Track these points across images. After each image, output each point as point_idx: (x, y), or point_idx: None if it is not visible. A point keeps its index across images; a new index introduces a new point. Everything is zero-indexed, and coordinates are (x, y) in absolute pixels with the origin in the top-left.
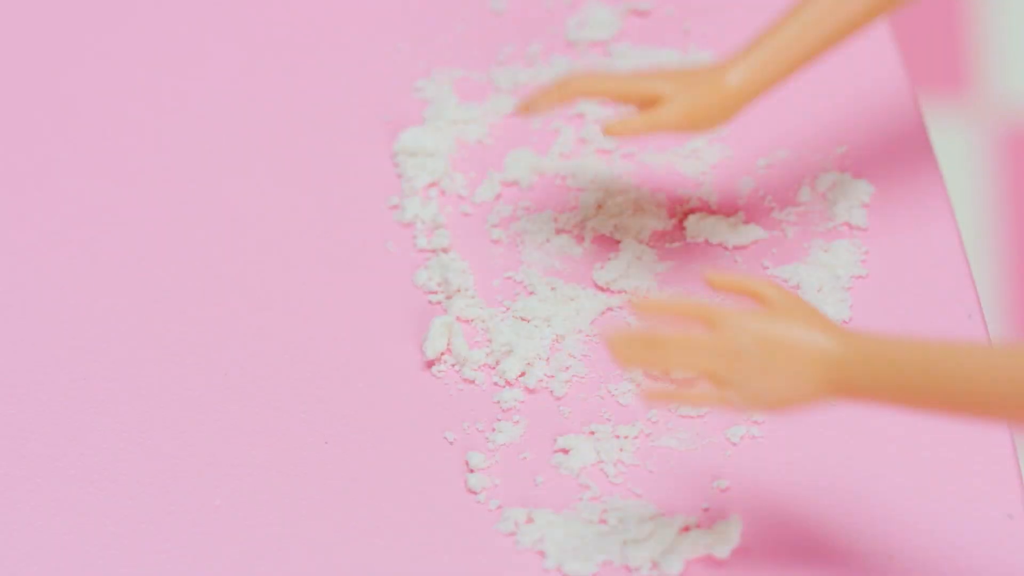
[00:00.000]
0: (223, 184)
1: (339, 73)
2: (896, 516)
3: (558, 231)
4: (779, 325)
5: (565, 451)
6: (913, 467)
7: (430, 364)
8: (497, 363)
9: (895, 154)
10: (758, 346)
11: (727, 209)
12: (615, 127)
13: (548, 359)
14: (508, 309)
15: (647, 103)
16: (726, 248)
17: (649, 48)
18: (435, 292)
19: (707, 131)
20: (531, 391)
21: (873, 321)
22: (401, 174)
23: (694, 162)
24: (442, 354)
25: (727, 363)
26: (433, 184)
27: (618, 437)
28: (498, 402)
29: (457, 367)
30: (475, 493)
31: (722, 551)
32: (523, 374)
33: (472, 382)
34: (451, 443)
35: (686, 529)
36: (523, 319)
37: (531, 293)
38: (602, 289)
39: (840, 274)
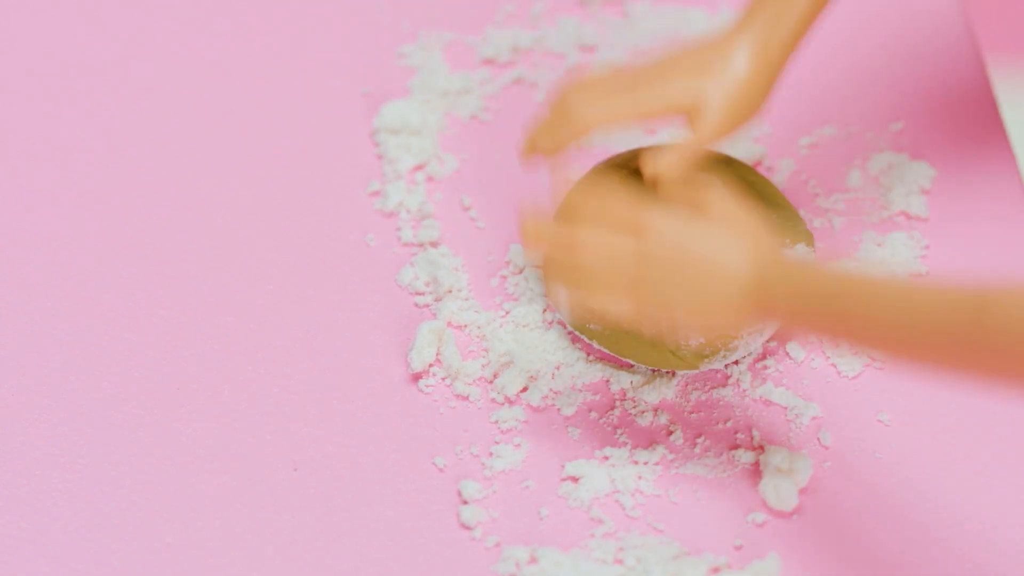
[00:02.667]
0: (178, 171)
1: (310, 38)
2: (953, 549)
3: None
4: (704, 237)
5: (574, 479)
6: (965, 495)
7: (416, 377)
8: (495, 376)
9: (960, 132)
10: (675, 255)
11: None
12: (668, 167)
13: (554, 373)
14: (508, 313)
15: (675, 112)
16: None
17: (672, 6)
18: (422, 293)
19: (753, 119)
20: (535, 409)
21: None
22: (382, 155)
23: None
24: (430, 366)
25: (644, 269)
26: (420, 167)
27: (636, 463)
28: (496, 422)
29: (448, 381)
30: (469, 528)
31: None
32: (525, 389)
33: (466, 398)
34: (441, 470)
35: (716, 571)
36: (524, 325)
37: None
38: None
39: (896, 272)
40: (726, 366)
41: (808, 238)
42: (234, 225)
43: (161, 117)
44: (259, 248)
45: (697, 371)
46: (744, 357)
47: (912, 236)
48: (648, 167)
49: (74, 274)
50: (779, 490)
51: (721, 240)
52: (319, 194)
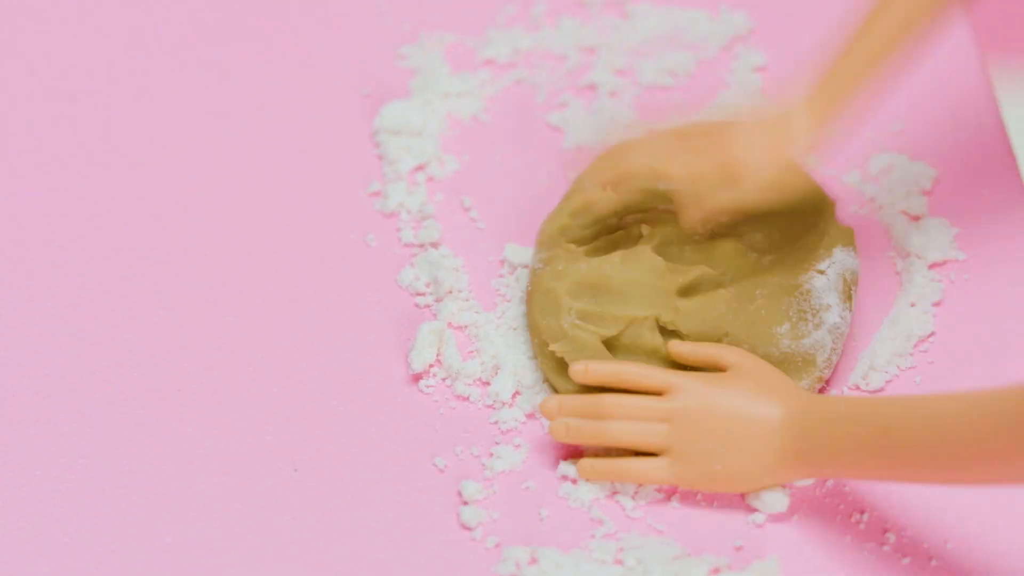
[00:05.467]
0: (179, 172)
1: (311, 39)
2: (956, 547)
3: None
4: (738, 394)
5: (574, 480)
6: (968, 499)
7: (417, 378)
8: (488, 383)
9: (960, 132)
10: (714, 417)
11: None
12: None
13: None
14: (503, 315)
15: (721, 178)
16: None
17: (672, 8)
18: (423, 294)
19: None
20: (532, 414)
21: (941, 332)
22: (383, 156)
23: None
24: (431, 366)
25: (679, 434)
26: (420, 168)
27: None
28: (496, 423)
29: (448, 381)
30: (470, 529)
31: None
32: (517, 393)
33: (466, 399)
34: (442, 470)
35: (716, 572)
36: (514, 328)
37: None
38: None
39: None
40: None
41: (847, 236)
42: (235, 226)
43: (162, 118)
44: (260, 248)
45: None
46: None
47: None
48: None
49: (74, 274)
50: (765, 494)
51: (754, 393)
52: (320, 195)
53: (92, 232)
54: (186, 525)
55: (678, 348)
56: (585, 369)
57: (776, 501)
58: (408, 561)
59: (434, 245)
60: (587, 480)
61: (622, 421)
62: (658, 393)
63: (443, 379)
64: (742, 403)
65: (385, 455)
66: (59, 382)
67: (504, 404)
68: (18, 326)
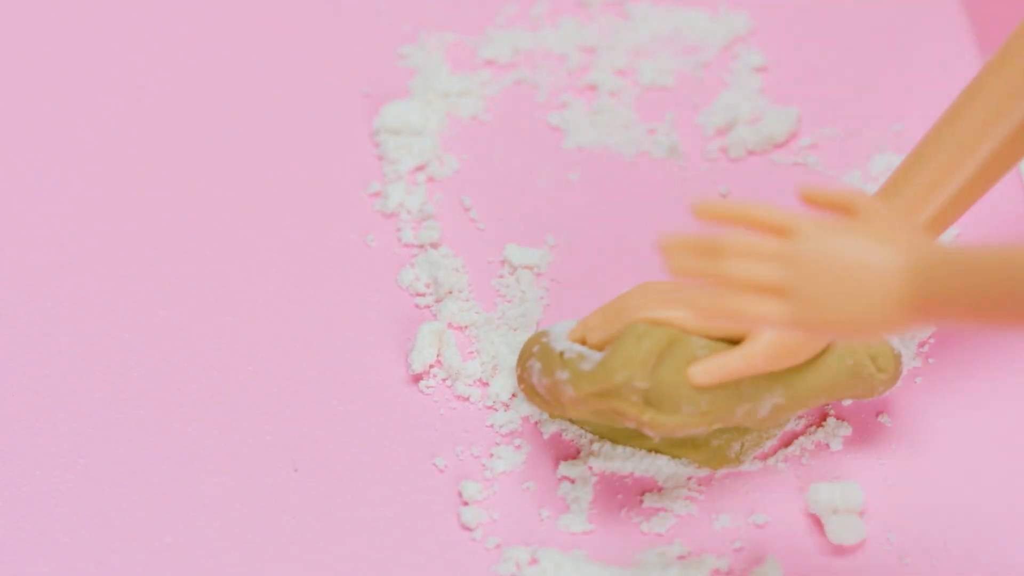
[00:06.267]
0: (178, 172)
1: (310, 38)
2: (961, 546)
3: None
4: (860, 238)
5: (573, 480)
6: (981, 497)
7: (417, 378)
8: (487, 384)
9: None
10: (834, 258)
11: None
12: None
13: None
14: (503, 316)
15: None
16: None
17: (673, 8)
18: (423, 294)
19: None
20: (527, 418)
21: (940, 332)
22: (383, 156)
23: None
24: (431, 367)
25: (797, 274)
26: (420, 168)
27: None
28: (496, 423)
29: (449, 382)
30: (470, 530)
31: None
32: (515, 395)
33: (466, 399)
34: (442, 471)
35: (716, 573)
36: (514, 328)
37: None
38: None
39: None
40: None
41: None
42: (234, 226)
43: (161, 117)
44: (259, 249)
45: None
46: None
47: None
48: (695, 378)
49: (74, 274)
50: (845, 526)
51: (876, 237)
52: (319, 195)
53: (92, 232)
54: (186, 525)
55: (812, 191)
56: (703, 203)
57: (851, 532)
58: (408, 561)
59: (434, 245)
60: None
61: (741, 259)
62: (779, 234)
63: (443, 379)
64: (867, 249)
65: (385, 455)
66: (59, 382)
67: (504, 405)
68: (18, 326)
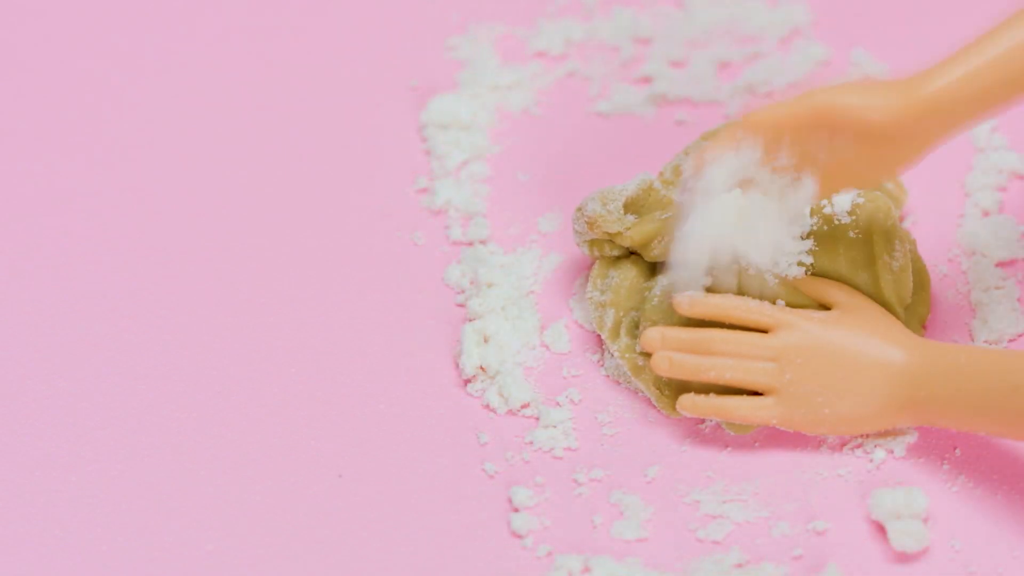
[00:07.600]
0: (223, 166)
1: (357, 29)
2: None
3: None
4: (849, 334)
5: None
6: None
7: (466, 381)
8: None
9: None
10: (825, 357)
11: None
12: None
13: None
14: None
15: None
16: None
17: None
18: (464, 291)
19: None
20: (583, 415)
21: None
22: (430, 151)
23: None
24: (481, 368)
25: (787, 374)
26: (469, 163)
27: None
28: (548, 427)
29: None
30: (520, 537)
31: None
32: (526, 405)
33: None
34: (491, 476)
35: None
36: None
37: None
38: None
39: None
40: None
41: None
42: (279, 223)
43: (207, 111)
44: (304, 248)
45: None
46: None
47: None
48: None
49: (93, 275)
50: (908, 532)
51: (868, 335)
52: (365, 191)
53: (128, 230)
54: (228, 532)
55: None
56: (691, 301)
57: (915, 538)
58: (457, 570)
59: (482, 242)
60: (687, 414)
61: (728, 357)
62: (765, 331)
63: (492, 377)
64: (855, 344)
65: (432, 461)
66: (92, 388)
67: (555, 404)
68: (60, 326)
